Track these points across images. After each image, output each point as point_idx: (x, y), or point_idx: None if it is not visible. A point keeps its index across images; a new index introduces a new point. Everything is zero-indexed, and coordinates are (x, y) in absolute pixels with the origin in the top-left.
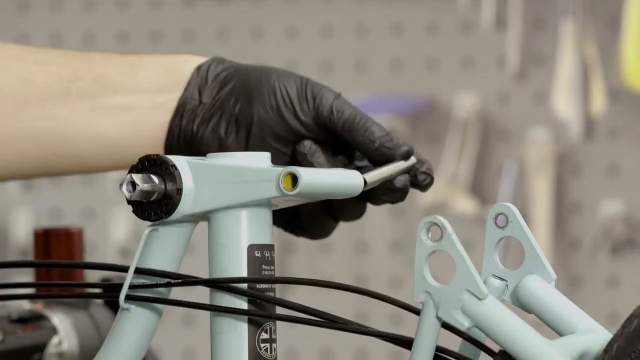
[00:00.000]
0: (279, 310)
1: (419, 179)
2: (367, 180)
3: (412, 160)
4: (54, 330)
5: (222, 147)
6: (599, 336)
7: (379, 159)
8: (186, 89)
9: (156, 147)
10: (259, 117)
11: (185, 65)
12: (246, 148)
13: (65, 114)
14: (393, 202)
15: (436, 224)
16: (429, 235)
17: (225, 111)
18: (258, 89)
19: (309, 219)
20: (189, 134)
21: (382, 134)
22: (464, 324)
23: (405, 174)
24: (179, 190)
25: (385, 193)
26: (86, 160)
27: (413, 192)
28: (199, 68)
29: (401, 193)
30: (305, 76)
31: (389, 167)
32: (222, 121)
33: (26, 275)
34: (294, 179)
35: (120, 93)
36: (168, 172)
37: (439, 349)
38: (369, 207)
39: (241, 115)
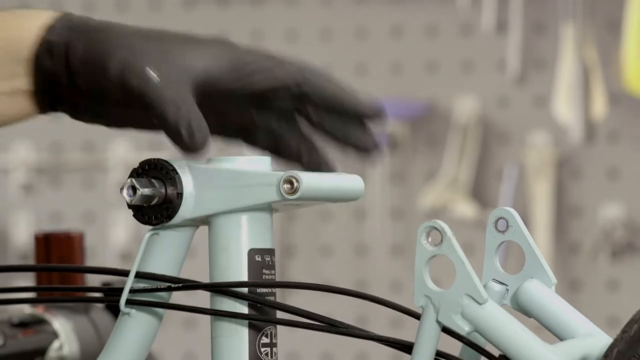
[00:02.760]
0: (280, 314)
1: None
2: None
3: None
4: (54, 335)
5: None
6: (599, 340)
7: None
8: (37, 82)
9: (29, 117)
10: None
11: (23, 49)
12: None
13: None
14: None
15: (436, 229)
16: (429, 239)
17: (84, 94)
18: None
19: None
20: (63, 109)
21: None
22: (464, 328)
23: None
24: (180, 195)
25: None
26: None
27: (413, 195)
28: (37, 56)
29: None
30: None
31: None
32: (85, 102)
33: (27, 280)
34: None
35: None
36: (169, 177)
37: (439, 354)
38: (369, 211)
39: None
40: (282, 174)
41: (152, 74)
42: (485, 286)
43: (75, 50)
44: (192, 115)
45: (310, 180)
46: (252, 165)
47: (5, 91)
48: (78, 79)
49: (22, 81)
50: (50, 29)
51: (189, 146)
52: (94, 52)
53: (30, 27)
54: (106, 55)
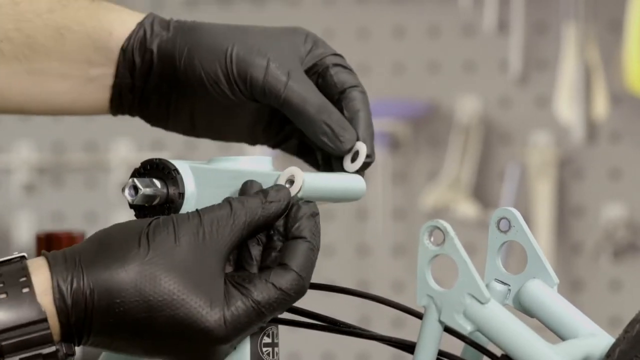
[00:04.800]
0: (281, 314)
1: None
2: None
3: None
4: None
5: (170, 122)
6: (601, 340)
7: (319, 146)
8: (117, 74)
9: (101, 111)
10: (195, 100)
11: (110, 40)
12: (194, 120)
13: (1, 74)
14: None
15: (438, 228)
16: (432, 239)
17: (162, 94)
18: (185, 75)
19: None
20: (133, 111)
21: (320, 119)
22: (466, 328)
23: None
24: (181, 195)
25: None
26: (33, 112)
27: (415, 195)
28: (124, 50)
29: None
30: (234, 40)
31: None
32: (162, 102)
33: None
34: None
35: (53, 59)
36: (170, 176)
37: (441, 353)
38: (371, 211)
39: (178, 97)
40: (283, 174)
41: (278, 67)
42: (487, 286)
43: (175, 45)
44: (330, 107)
45: (311, 180)
46: (253, 165)
47: (81, 77)
48: (173, 76)
49: (102, 71)
50: (140, 25)
51: (340, 144)
52: (203, 47)
53: (122, 21)
54: (219, 49)
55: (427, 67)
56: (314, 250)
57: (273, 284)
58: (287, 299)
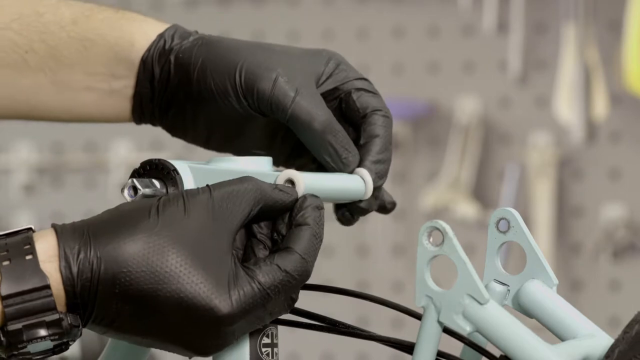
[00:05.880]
0: None
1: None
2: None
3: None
4: None
5: (189, 133)
6: (600, 341)
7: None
8: (137, 84)
9: (125, 120)
10: (209, 112)
11: (132, 51)
12: (210, 133)
13: (26, 84)
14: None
15: (437, 229)
16: (431, 239)
17: (179, 104)
18: (198, 86)
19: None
20: (155, 121)
21: (325, 138)
22: (465, 328)
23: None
24: None
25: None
26: (58, 120)
27: (415, 195)
28: (144, 62)
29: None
30: (246, 54)
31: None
32: (179, 113)
33: None
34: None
35: (77, 71)
36: (169, 177)
37: (440, 354)
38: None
39: (193, 108)
40: (281, 175)
41: (286, 82)
42: (486, 286)
43: (191, 56)
44: (337, 127)
45: (310, 181)
46: (252, 165)
47: (105, 89)
48: (188, 87)
49: (124, 83)
50: (161, 36)
51: (341, 165)
52: (216, 59)
53: (144, 32)
54: (231, 62)
55: (426, 67)
56: (317, 237)
57: (278, 266)
58: (291, 281)
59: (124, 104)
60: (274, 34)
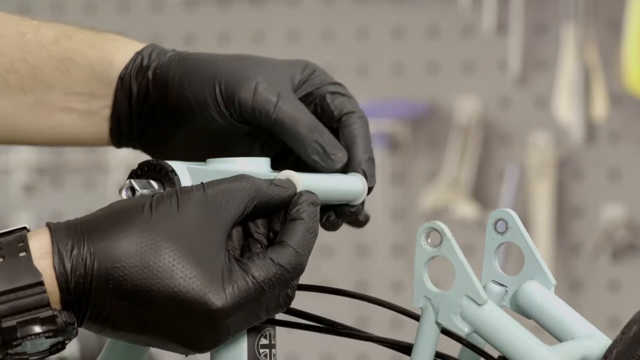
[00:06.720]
0: (279, 315)
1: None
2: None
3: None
4: None
5: (168, 151)
6: (599, 342)
7: (312, 167)
8: (115, 102)
9: (103, 143)
10: (188, 126)
11: (111, 70)
12: (188, 148)
13: (5, 104)
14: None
15: (435, 230)
16: (429, 240)
17: (157, 121)
18: (177, 101)
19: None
20: (133, 143)
21: (311, 138)
22: (463, 329)
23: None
24: None
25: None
26: (38, 143)
27: (414, 195)
28: (121, 79)
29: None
30: (223, 66)
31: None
32: (157, 130)
33: None
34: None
35: (57, 91)
36: (167, 178)
37: (438, 355)
38: (370, 211)
39: (172, 124)
40: (279, 177)
41: (267, 89)
42: (484, 287)
43: (168, 71)
44: (321, 127)
45: (309, 181)
46: (250, 166)
47: (84, 109)
48: (165, 103)
49: (103, 103)
50: (138, 54)
51: (331, 163)
52: (194, 73)
53: (123, 52)
54: (208, 75)
55: (426, 68)
56: (312, 232)
57: (271, 259)
58: (285, 275)
59: (102, 126)
60: (274, 34)
